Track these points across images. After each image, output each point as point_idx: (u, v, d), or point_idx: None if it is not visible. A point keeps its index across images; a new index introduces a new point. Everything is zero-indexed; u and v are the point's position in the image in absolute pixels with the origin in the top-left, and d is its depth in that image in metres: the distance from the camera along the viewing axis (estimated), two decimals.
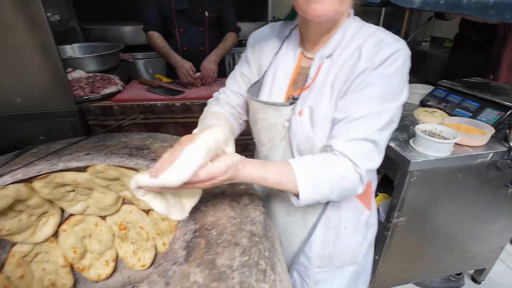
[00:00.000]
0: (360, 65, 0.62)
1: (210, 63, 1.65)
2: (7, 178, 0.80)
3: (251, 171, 0.58)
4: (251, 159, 0.61)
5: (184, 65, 1.58)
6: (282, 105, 0.71)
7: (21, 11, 1.14)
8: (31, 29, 1.18)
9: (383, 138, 0.63)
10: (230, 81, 0.87)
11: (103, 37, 2.55)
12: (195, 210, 0.69)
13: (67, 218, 1.08)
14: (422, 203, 1.12)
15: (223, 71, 2.00)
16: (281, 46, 0.76)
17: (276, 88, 0.74)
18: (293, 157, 0.73)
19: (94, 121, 1.44)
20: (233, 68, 0.89)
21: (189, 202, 0.62)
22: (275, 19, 2.97)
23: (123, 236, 1.18)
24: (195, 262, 0.55)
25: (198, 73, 1.65)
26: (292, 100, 0.70)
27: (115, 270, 1.23)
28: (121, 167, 0.90)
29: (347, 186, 0.63)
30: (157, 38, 1.65)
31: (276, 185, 0.61)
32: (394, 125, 0.64)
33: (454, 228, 1.26)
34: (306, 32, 0.70)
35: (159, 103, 1.46)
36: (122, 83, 1.59)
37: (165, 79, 1.74)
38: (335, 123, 0.65)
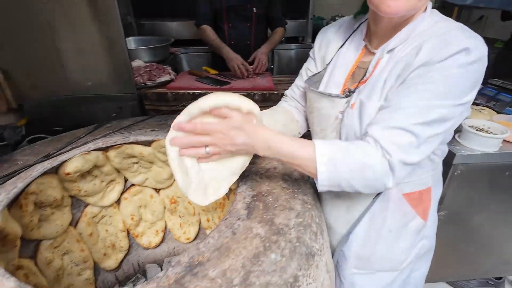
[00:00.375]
0: (417, 60, 0.58)
1: (262, 54, 1.80)
2: (91, 145, 0.94)
3: (267, 131, 0.61)
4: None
5: (238, 58, 1.69)
6: (338, 96, 0.70)
7: (97, 6, 1.30)
8: (104, 22, 1.34)
9: (427, 135, 0.57)
10: (297, 77, 0.90)
11: (154, 31, 2.75)
12: (251, 180, 0.77)
13: (128, 187, 1.22)
14: (463, 199, 1.12)
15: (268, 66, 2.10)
16: (346, 40, 0.76)
17: (333, 80, 0.75)
18: None
19: (150, 106, 1.59)
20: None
21: (215, 192, 0.69)
22: (315, 18, 3.00)
23: (172, 209, 1.31)
24: (256, 219, 0.64)
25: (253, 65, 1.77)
26: (348, 93, 0.69)
27: (163, 240, 1.36)
28: None
29: (371, 174, 0.58)
30: (209, 31, 1.78)
31: (292, 157, 0.61)
32: (447, 125, 0.59)
33: (496, 229, 1.23)
34: (375, 27, 0.68)
35: (207, 92, 1.58)
36: (174, 73, 1.73)
37: (212, 71, 1.86)
38: (379, 111, 0.63)
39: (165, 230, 1.35)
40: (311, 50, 0.86)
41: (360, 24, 0.75)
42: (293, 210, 0.66)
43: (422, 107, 0.57)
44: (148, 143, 1.04)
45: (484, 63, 0.57)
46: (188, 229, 1.35)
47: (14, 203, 0.76)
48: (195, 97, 1.58)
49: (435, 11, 0.64)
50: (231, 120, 0.61)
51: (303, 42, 2.91)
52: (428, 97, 0.56)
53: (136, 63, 1.68)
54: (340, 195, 0.78)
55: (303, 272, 0.54)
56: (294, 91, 0.91)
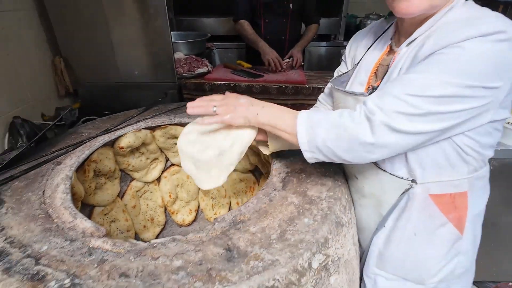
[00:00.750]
0: (429, 44, 0.56)
1: (298, 52, 1.90)
2: (142, 124, 1.05)
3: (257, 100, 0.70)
4: None
5: (273, 52, 1.77)
6: (362, 94, 0.69)
7: (147, 2, 1.43)
8: (152, 17, 1.46)
9: (426, 109, 0.52)
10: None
11: (191, 27, 2.89)
12: (286, 159, 0.84)
13: (168, 167, 1.34)
14: (494, 196, 1.11)
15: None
16: (375, 41, 0.76)
17: (358, 80, 0.75)
18: None
19: (187, 95, 1.71)
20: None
21: (215, 180, 0.75)
22: (348, 16, 3.00)
23: (205, 191, 1.41)
24: (291, 191, 0.71)
25: (287, 60, 1.84)
26: (372, 90, 0.68)
27: (195, 219, 1.47)
28: None
29: (343, 133, 0.58)
30: (247, 26, 1.87)
31: (279, 119, 0.66)
32: (459, 107, 0.52)
33: None
34: (400, 26, 0.68)
35: (242, 83, 1.66)
36: (211, 65, 1.84)
37: (246, 65, 1.95)
38: None
39: (198, 210, 1.46)
40: (343, 54, 0.88)
41: (390, 25, 0.75)
42: (324, 185, 0.72)
43: (425, 81, 0.53)
44: None
45: None
46: (219, 210, 1.44)
47: (80, 168, 0.89)
48: (230, 88, 1.68)
49: (469, 2, 0.60)
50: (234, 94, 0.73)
51: (335, 40, 2.92)
52: (435, 73, 0.52)
53: (177, 55, 1.80)
54: (366, 194, 0.76)
55: (333, 236, 0.60)
56: (324, 93, 0.94)
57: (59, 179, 0.73)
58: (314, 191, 0.70)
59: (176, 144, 1.25)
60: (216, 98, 0.72)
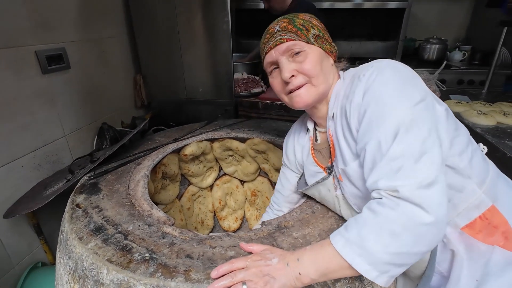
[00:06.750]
0: (349, 108, 0.61)
1: None
2: (203, 136, 1.22)
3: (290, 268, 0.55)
4: None
5: None
6: (323, 178, 0.73)
7: (215, 28, 1.64)
8: (218, 41, 1.67)
9: (414, 146, 0.51)
10: (277, 184, 0.97)
11: (249, 49, 3.13)
12: None
13: (221, 176, 1.48)
14: None
15: None
16: (304, 137, 0.84)
17: (311, 173, 0.79)
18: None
19: (242, 112, 1.87)
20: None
21: None
22: (407, 39, 2.95)
23: (251, 201, 1.52)
24: None
25: None
26: (329, 169, 0.73)
27: (240, 227, 1.57)
28: (271, 143, 1.22)
29: (395, 227, 0.49)
30: None
31: (320, 266, 0.53)
32: (426, 127, 0.52)
33: None
34: (312, 117, 0.77)
35: None
36: (265, 85, 1.98)
37: None
38: (360, 165, 0.60)
39: (243, 218, 1.57)
40: (282, 160, 0.94)
41: (307, 120, 0.82)
42: None
43: (381, 125, 0.54)
44: (243, 140, 1.27)
45: (402, 66, 0.59)
46: None
47: (153, 169, 1.07)
48: (281, 108, 1.80)
49: (345, 72, 0.72)
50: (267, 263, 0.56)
51: None
52: (377, 115, 0.55)
53: (236, 75, 1.99)
54: None
55: None
56: (278, 198, 0.97)
57: (139, 176, 0.90)
58: None
59: (230, 156, 1.40)
60: (238, 264, 0.57)
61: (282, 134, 1.24)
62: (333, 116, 0.68)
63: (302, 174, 0.86)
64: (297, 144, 0.86)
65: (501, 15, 1.88)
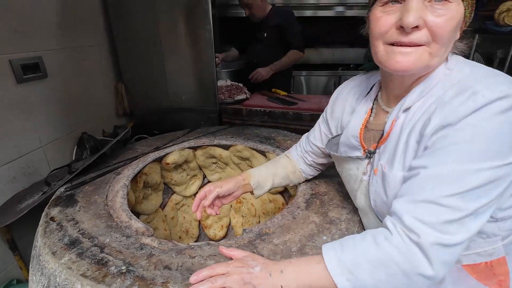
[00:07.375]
0: (435, 120, 0.50)
1: (263, 69, 2.14)
2: (186, 144, 1.21)
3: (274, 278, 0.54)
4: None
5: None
6: (358, 158, 0.67)
7: (197, 37, 1.64)
8: (201, 49, 1.67)
9: (469, 208, 0.46)
10: (311, 132, 0.88)
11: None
12: (311, 182, 0.92)
13: (205, 184, 1.47)
14: None
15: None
16: (360, 103, 0.71)
17: (348, 144, 0.71)
18: (372, 215, 0.67)
19: (226, 119, 1.87)
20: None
21: None
22: None
23: (236, 209, 1.51)
24: (313, 211, 0.78)
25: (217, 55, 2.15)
26: (369, 154, 0.65)
27: (225, 235, 1.56)
28: (254, 149, 1.22)
29: (395, 268, 0.48)
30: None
31: (304, 281, 0.53)
32: (497, 191, 0.47)
33: None
34: (386, 87, 0.64)
35: (277, 110, 1.79)
36: (249, 92, 2.00)
37: (282, 92, 2.08)
38: (404, 180, 0.54)
39: (229, 226, 1.55)
40: (324, 111, 0.83)
41: (373, 85, 0.70)
42: (345, 208, 0.78)
43: (455, 174, 0.47)
44: (227, 147, 1.27)
45: None
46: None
47: (133, 179, 1.04)
48: (265, 114, 1.81)
49: (456, 57, 0.57)
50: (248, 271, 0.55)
51: None
52: (461, 161, 0.46)
53: (220, 82, 1.99)
54: None
55: None
56: (306, 144, 0.88)
57: (118, 186, 0.88)
58: (335, 213, 0.77)
59: (213, 163, 1.39)
60: (219, 270, 0.55)
61: (265, 140, 1.25)
62: (409, 108, 0.57)
63: (338, 135, 0.77)
64: (349, 106, 0.74)
65: (473, 22, 1.97)
